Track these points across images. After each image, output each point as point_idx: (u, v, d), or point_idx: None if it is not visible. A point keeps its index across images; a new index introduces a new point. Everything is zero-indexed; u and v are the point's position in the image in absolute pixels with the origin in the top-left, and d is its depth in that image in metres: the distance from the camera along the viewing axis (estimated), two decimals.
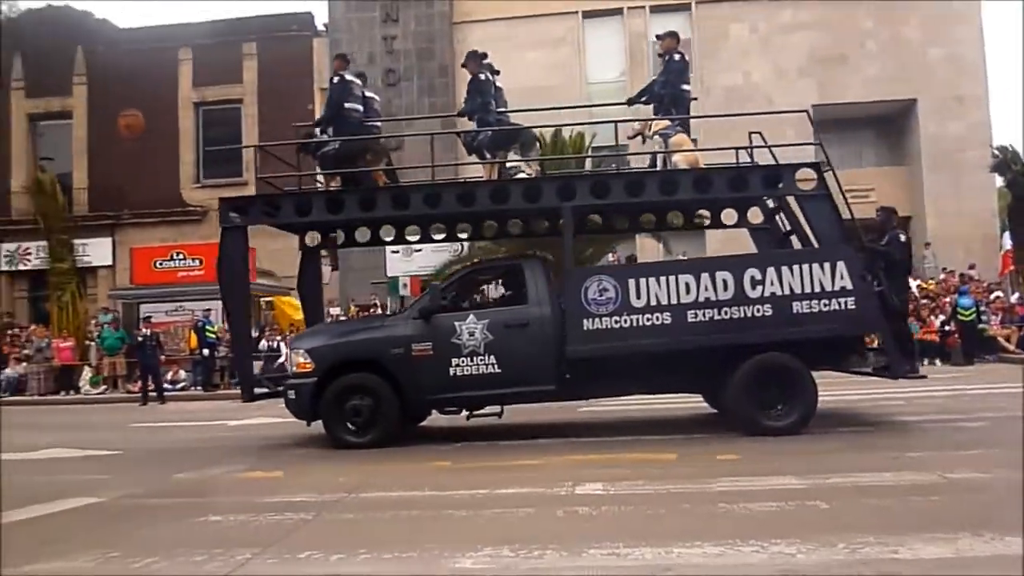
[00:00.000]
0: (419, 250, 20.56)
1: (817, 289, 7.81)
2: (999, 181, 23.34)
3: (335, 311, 22.41)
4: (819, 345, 7.96)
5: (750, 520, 4.48)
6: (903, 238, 9.11)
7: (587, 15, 25.91)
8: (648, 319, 7.94)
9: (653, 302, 7.95)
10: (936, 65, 24.45)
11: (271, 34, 27.16)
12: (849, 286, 7.78)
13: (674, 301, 7.94)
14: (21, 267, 26.33)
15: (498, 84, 9.75)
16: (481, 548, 4.01)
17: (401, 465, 7.14)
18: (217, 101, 27.48)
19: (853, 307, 7.76)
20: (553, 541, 4.10)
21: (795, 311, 7.83)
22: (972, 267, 22.13)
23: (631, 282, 8.04)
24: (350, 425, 8.18)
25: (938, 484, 5.25)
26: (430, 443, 8.52)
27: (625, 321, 7.96)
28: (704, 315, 7.90)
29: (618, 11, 25.87)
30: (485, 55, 9.85)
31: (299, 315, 21.08)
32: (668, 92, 9.32)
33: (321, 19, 27.19)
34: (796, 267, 7.90)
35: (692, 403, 9.72)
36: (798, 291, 7.83)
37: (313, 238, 10.47)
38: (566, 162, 19.06)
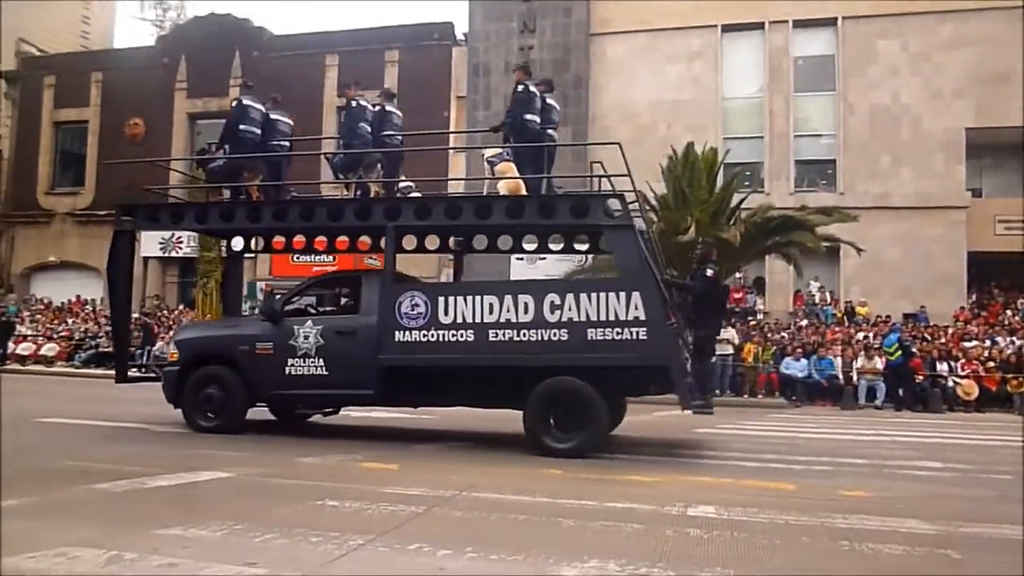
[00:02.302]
0: (543, 258, 20.67)
1: (612, 318, 7.92)
2: None
3: None
4: (613, 372, 8.02)
5: (874, 561, 4.24)
6: (709, 273, 9.00)
7: (726, 29, 25.35)
8: (453, 335, 8.33)
9: (459, 319, 8.32)
10: None
11: (413, 42, 28.07)
12: (643, 317, 7.86)
13: (478, 320, 8.27)
14: (173, 254, 28.22)
15: (389, 108, 10.23)
16: (587, 559, 3.98)
17: (513, 469, 7.19)
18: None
19: (645, 337, 7.83)
20: (661, 560, 4.02)
21: (590, 337, 7.97)
22: (923, 308, 21.50)
23: (440, 299, 8.46)
24: (205, 411, 9.06)
25: None
26: None
27: (432, 335, 8.38)
28: (504, 335, 8.20)
29: (759, 25, 25.17)
30: (359, 83, 10.77)
31: None
32: (509, 122, 9.60)
33: (461, 29, 27.86)
34: (595, 295, 8.03)
35: (815, 429, 9.35)
36: (594, 318, 7.97)
37: (236, 243, 11.23)
38: (696, 179, 18.77)
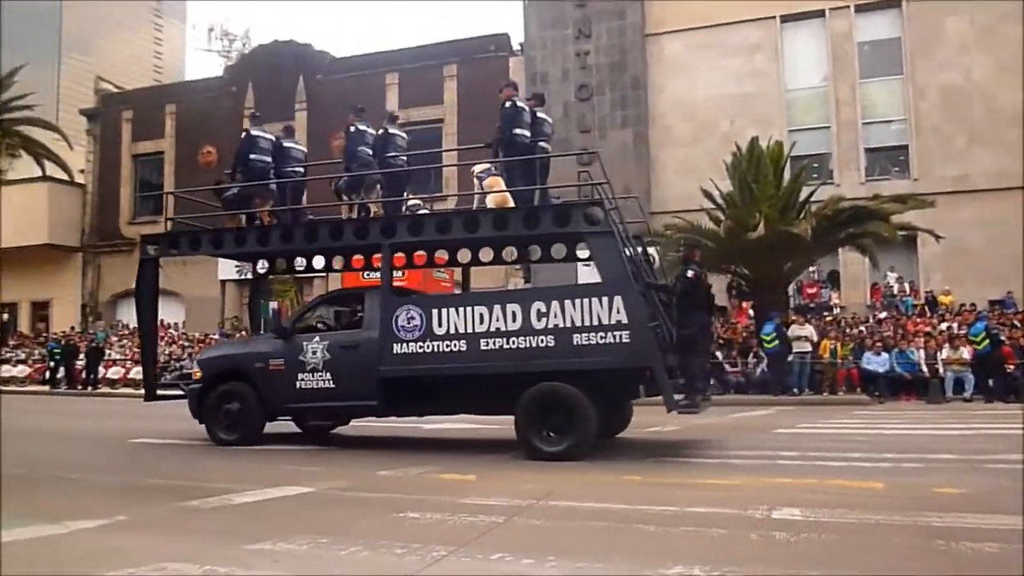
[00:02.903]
0: None
1: (596, 322, 8.08)
2: None
3: None
4: (599, 375, 8.16)
5: (975, 561, 4.08)
6: (690, 274, 9.08)
7: (785, 19, 24.90)
8: (447, 345, 8.61)
9: (452, 330, 8.60)
10: None
11: (470, 56, 28.35)
12: (625, 320, 7.98)
13: (470, 330, 8.54)
14: (248, 276, 29.04)
15: (392, 130, 10.50)
16: (672, 566, 3.92)
17: (591, 476, 7.15)
18: (420, 121, 29.03)
19: (628, 340, 7.96)
20: (747, 564, 3.94)
21: (576, 343, 8.13)
22: (1009, 294, 20.33)
23: (435, 311, 8.73)
24: (226, 425, 9.58)
25: None
26: (620, 457, 8.49)
27: (428, 346, 8.68)
28: (495, 343, 8.43)
29: (819, 13, 24.65)
30: (363, 109, 11.14)
31: None
32: (497, 137, 9.83)
33: (517, 39, 28.01)
34: (578, 301, 8.19)
35: (901, 425, 9.05)
36: (579, 324, 8.13)
37: (262, 266, 11.77)
38: (762, 174, 18.42)
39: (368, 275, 12.23)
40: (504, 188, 9.54)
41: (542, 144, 9.90)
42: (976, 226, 21.60)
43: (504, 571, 3.94)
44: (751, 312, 20.13)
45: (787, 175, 19.26)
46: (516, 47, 28.06)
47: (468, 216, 9.33)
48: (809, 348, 17.24)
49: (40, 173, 32.22)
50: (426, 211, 10.18)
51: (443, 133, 28.68)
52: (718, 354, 18.29)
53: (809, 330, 17.52)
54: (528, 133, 9.67)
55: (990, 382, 16.11)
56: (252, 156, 10.80)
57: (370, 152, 10.49)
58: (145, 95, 35.90)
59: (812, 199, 18.60)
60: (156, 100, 33.91)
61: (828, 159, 24.30)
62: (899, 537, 4.62)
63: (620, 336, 8.00)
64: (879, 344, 17.26)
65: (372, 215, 10.32)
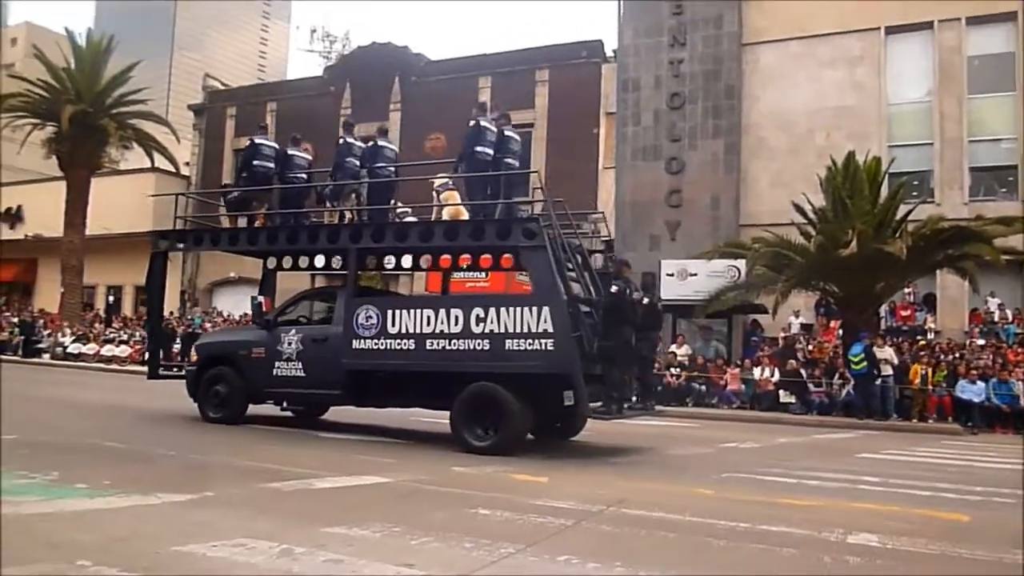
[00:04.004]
0: (695, 274, 20.36)
1: (526, 330, 8.67)
2: None
3: None
4: (527, 379, 8.76)
5: None
6: (614, 289, 9.35)
7: (890, 31, 24.02)
8: (398, 344, 9.37)
9: (403, 330, 9.36)
10: None
11: (563, 61, 28.42)
12: (551, 329, 8.54)
13: (417, 330, 9.27)
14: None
15: (381, 143, 11.19)
16: None
17: (664, 487, 7.13)
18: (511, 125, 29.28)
19: (552, 348, 8.52)
20: None
21: (507, 348, 8.76)
22: None
23: (389, 312, 9.50)
24: (213, 405, 10.62)
25: None
26: (694, 471, 8.43)
27: (382, 344, 9.46)
28: (438, 344, 9.15)
29: (927, 25, 23.66)
30: (352, 124, 12.25)
31: None
32: (460, 153, 10.50)
33: (611, 46, 27.94)
34: (512, 309, 8.81)
35: (995, 458, 8.65)
36: (511, 330, 8.74)
37: (272, 262, 12.26)
38: (858, 190, 17.86)
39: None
40: (459, 202, 10.39)
41: (508, 160, 10.38)
42: None
43: (569, 573, 3.99)
44: (839, 332, 19.53)
45: (884, 192, 18.62)
46: (609, 53, 27.98)
47: (424, 227, 10.09)
48: (891, 372, 16.61)
49: (149, 164, 33.89)
50: (413, 219, 10.72)
51: (533, 137, 28.83)
52: (802, 372, 17.84)
53: (889, 352, 16.90)
54: (490, 151, 10.24)
55: None
56: (255, 162, 11.68)
57: (357, 163, 11.19)
58: (249, 92, 37.34)
59: (910, 218, 17.90)
60: (259, 97, 35.23)
61: (929, 177, 23.34)
62: (981, 572, 4.46)
63: (545, 344, 8.60)
64: (975, 372, 16.51)
65: (348, 222, 11.13)
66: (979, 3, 22.72)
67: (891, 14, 23.66)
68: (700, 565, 4.23)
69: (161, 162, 33.61)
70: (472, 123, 10.45)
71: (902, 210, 18.10)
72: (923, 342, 19.69)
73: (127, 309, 33.94)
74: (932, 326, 21.39)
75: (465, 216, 10.14)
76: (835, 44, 24.48)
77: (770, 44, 25.28)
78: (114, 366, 25.55)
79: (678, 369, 18.95)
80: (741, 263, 19.49)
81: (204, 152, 35.04)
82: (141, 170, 34.15)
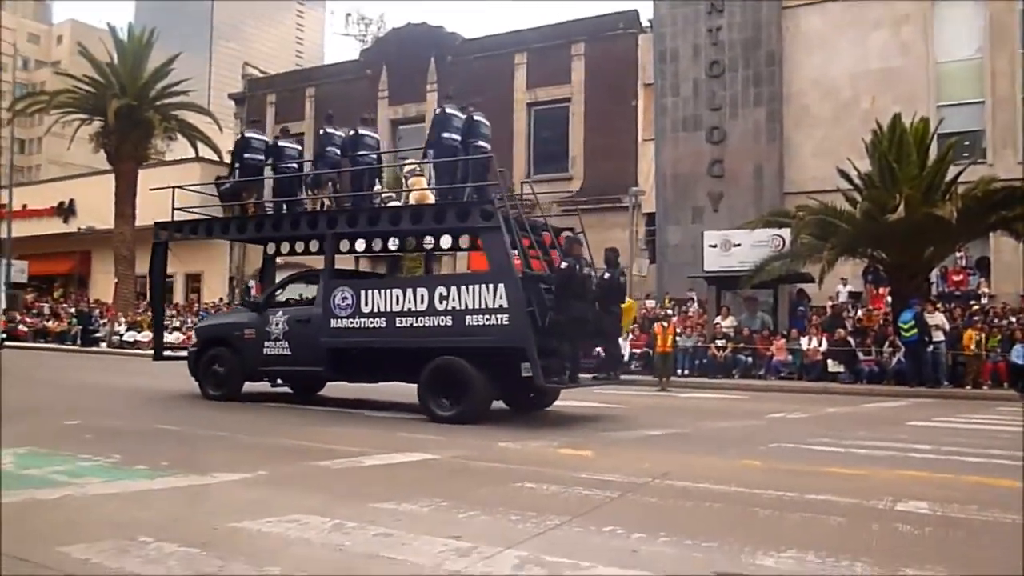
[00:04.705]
0: (738, 244, 20.11)
1: (484, 306, 9.25)
2: None
3: (650, 303, 22.73)
4: (486, 353, 9.29)
5: None
6: (564, 266, 9.67)
7: None
8: (372, 322, 10.01)
9: (375, 309, 9.99)
10: None
11: (599, 34, 28.12)
12: (506, 305, 9.11)
13: (388, 309, 9.90)
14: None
15: (363, 131, 11.75)
16: (785, 550, 3.90)
17: (710, 460, 7.12)
18: (548, 101, 29.14)
19: (507, 323, 9.09)
20: (864, 554, 3.86)
21: (467, 323, 9.36)
22: None
23: (363, 292, 10.11)
24: (213, 383, 11.36)
25: None
26: (741, 443, 8.41)
27: (357, 322, 10.11)
28: (406, 322, 9.78)
29: None
30: (332, 116, 12.63)
31: None
32: (428, 140, 11.10)
33: (646, 16, 27.55)
34: (471, 287, 9.41)
35: None
36: (471, 307, 9.34)
37: (271, 248, 12.87)
38: (905, 153, 17.41)
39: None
40: (424, 187, 10.82)
41: (478, 144, 10.74)
42: None
43: (615, 544, 4.04)
44: (888, 299, 19.15)
45: (933, 154, 18.13)
46: (645, 23, 27.60)
47: (393, 211, 10.72)
48: (943, 337, 16.26)
49: (193, 154, 34.49)
50: (397, 203, 11.10)
51: (570, 112, 28.67)
52: (851, 340, 17.56)
53: (940, 318, 16.53)
54: (457, 137, 10.71)
55: None
56: (246, 155, 12.23)
57: (338, 152, 11.72)
58: (287, 79, 37.67)
59: (960, 180, 17.42)
60: (297, 84, 35.55)
61: (981, 137, 22.67)
62: None
63: (501, 319, 9.16)
64: None
65: (325, 209, 11.66)
66: None
67: None
68: (745, 535, 4.23)
69: (205, 151, 34.17)
70: (438, 110, 11.07)
71: (952, 172, 17.61)
72: (976, 307, 19.22)
73: (178, 297, 34.75)
74: (986, 290, 20.86)
75: (431, 200, 10.65)
76: (879, 5, 23.83)
77: (811, 7, 24.71)
78: (167, 352, 26.16)
79: (724, 341, 18.79)
80: (786, 232, 19.17)
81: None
82: (186, 160, 34.76)
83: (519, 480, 5.71)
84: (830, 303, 20.47)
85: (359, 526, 4.24)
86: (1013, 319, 17.75)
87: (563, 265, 9.74)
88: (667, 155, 25.83)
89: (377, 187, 11.76)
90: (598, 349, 10.99)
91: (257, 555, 3.70)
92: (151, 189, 27.98)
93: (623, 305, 11.49)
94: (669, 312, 20.54)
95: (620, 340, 11.90)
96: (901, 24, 23.63)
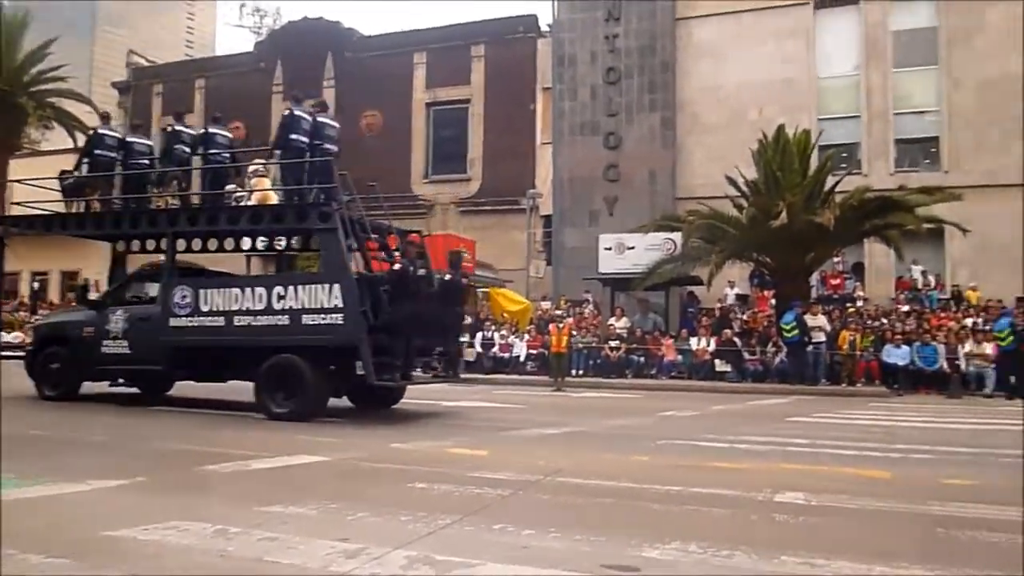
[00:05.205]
0: (632, 247, 20.61)
1: (320, 306, 9.43)
2: None
3: (546, 304, 23.00)
4: (321, 351, 9.49)
5: (969, 549, 4.12)
6: (397, 267, 10.06)
7: (819, 5, 24.59)
8: (210, 321, 10.03)
9: (214, 308, 10.04)
10: None
11: (498, 36, 28.30)
12: (341, 304, 9.31)
13: (226, 308, 9.95)
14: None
15: (212, 130, 11.74)
16: (670, 541, 4.01)
17: (601, 456, 7.26)
18: (447, 101, 29.10)
19: (342, 322, 9.29)
20: (744, 544, 4.01)
21: (304, 322, 9.51)
22: None
23: (202, 291, 10.14)
24: (50, 383, 11.06)
25: None
26: (632, 439, 8.60)
27: (195, 321, 10.12)
28: (244, 321, 9.85)
29: (854, 0, 24.23)
30: (182, 114, 12.90)
31: (514, 307, 22.01)
32: (275, 141, 11.12)
33: (545, 21, 27.91)
34: (309, 287, 9.57)
35: (918, 418, 9.02)
36: (308, 306, 9.49)
37: (121, 246, 12.68)
38: (788, 163, 18.28)
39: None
40: (267, 187, 10.92)
41: (325, 146, 10.86)
42: (1006, 222, 21.23)
43: (505, 540, 4.05)
44: (772, 301, 20.03)
45: (813, 164, 19.08)
46: (545, 28, 27.93)
47: (232, 211, 10.74)
48: (824, 338, 17.15)
49: (72, 145, 32.63)
50: (251, 202, 11.05)
51: (469, 114, 28.72)
52: (737, 341, 18.26)
53: (822, 320, 17.43)
54: (305, 139, 10.76)
55: (1012, 379, 15.93)
56: (97, 151, 12.09)
57: (187, 150, 11.70)
58: (176, 69, 36.21)
59: (838, 189, 18.41)
60: (186, 75, 34.20)
61: (857, 149, 24.02)
62: (899, 524, 4.67)
63: (336, 318, 9.33)
64: (900, 337, 17.14)
65: (166, 207, 11.50)
66: None
67: None
68: (633, 528, 4.32)
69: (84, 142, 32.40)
70: (286, 112, 11.00)
71: (830, 182, 18.59)
72: (852, 309, 20.32)
73: (54, 295, 32.81)
74: (861, 294, 22.09)
75: (273, 200, 10.76)
76: (766, 19, 24.89)
77: (703, 19, 25.56)
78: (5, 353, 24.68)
79: (617, 342, 19.20)
80: (677, 236, 19.80)
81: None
82: (64, 151, 32.84)
83: (411, 480, 5.66)
84: (718, 305, 21.22)
85: (243, 531, 4.10)
86: (884, 320, 18.86)
87: (396, 266, 10.01)
88: (564, 159, 26.20)
89: (231, 186, 11.56)
90: (439, 348, 11.07)
91: (132, 564, 3.53)
92: (7, 181, 26.42)
93: (488, 303, 11.72)
94: (559, 313, 20.83)
95: (462, 339, 12.11)
96: (787, 39, 24.76)
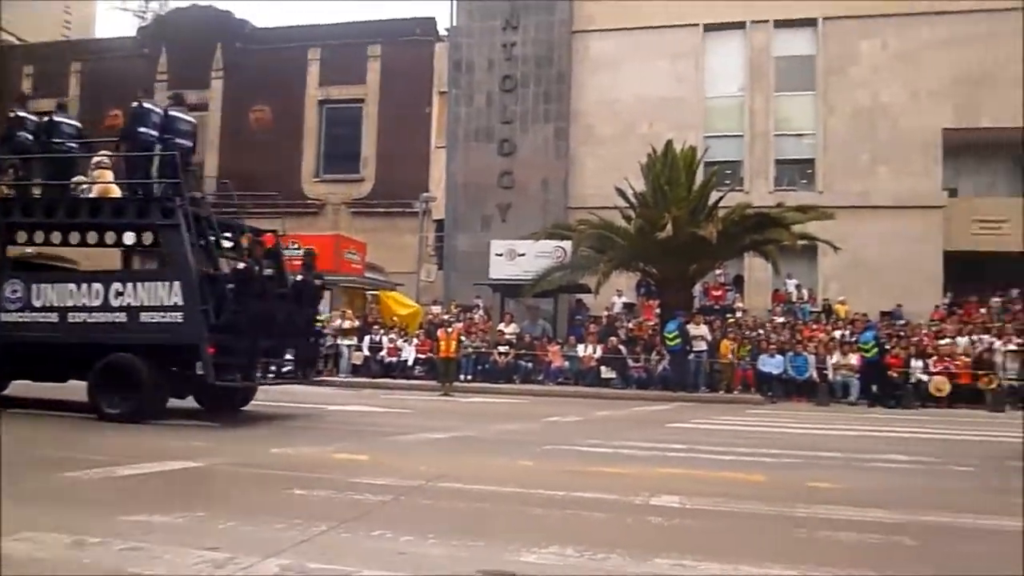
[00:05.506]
0: (523, 254, 20.78)
1: (159, 303, 9.25)
2: None
3: (436, 309, 22.89)
4: (161, 350, 9.31)
5: (828, 549, 4.33)
6: (241, 266, 9.97)
7: (708, 28, 25.51)
8: (43, 317, 9.65)
9: (47, 303, 9.66)
10: None
11: (395, 37, 28.03)
12: (181, 303, 9.17)
13: (60, 304, 9.60)
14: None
15: (58, 118, 11.05)
16: (547, 545, 4.03)
17: (486, 461, 7.26)
18: (341, 100, 28.59)
19: (181, 320, 9.15)
20: (620, 547, 4.07)
21: (142, 320, 9.31)
22: (899, 306, 21.63)
23: (34, 286, 9.76)
24: None
25: None
26: (518, 444, 8.65)
27: (27, 317, 9.70)
28: (79, 317, 9.52)
29: (741, 25, 25.34)
30: (24, 99, 12.73)
31: (404, 310, 21.80)
32: (122, 133, 10.90)
33: (444, 24, 27.85)
34: (148, 284, 9.41)
35: (789, 424, 9.44)
36: (146, 304, 9.30)
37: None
38: (675, 177, 18.88)
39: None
40: (110, 180, 10.49)
41: (176, 141, 10.48)
42: (874, 241, 22.66)
43: (383, 547, 3.97)
44: (657, 310, 20.61)
45: (699, 179, 19.78)
46: (443, 32, 27.87)
47: (70, 203, 10.22)
48: (705, 347, 17.78)
49: None
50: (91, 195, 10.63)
51: (364, 113, 28.32)
52: (622, 349, 18.67)
53: (704, 330, 18.08)
54: (155, 132, 10.35)
55: (874, 388, 16.96)
56: None
57: (30, 137, 10.98)
58: (50, 50, 34.01)
59: (721, 204, 19.14)
60: (61, 56, 32.20)
61: (740, 167, 25.07)
62: (766, 525, 4.86)
63: (176, 317, 9.17)
64: (774, 347, 17.96)
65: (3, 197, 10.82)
66: (786, 6, 24.54)
67: (709, 12, 25.09)
68: (513, 533, 4.33)
69: None
70: (135, 104, 10.60)
71: (714, 197, 19.31)
72: (732, 320, 21.15)
73: None
74: (740, 305, 23.04)
75: (116, 194, 10.34)
76: (659, 37, 25.62)
77: (599, 34, 26.10)
78: None
79: (506, 347, 19.30)
80: (568, 244, 20.12)
81: None
82: None
83: (289, 486, 5.49)
84: (606, 313, 21.68)
85: (103, 541, 3.86)
86: (761, 331, 19.72)
87: (240, 265, 9.78)
88: (459, 163, 26.20)
89: (79, 178, 10.92)
90: (290, 350, 10.82)
91: None
92: None
93: (332, 307, 11.44)
94: (447, 318, 20.80)
95: (316, 341, 11.83)
96: (678, 59, 25.59)
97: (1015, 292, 21.89)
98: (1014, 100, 22.48)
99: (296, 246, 21.97)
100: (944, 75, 23.52)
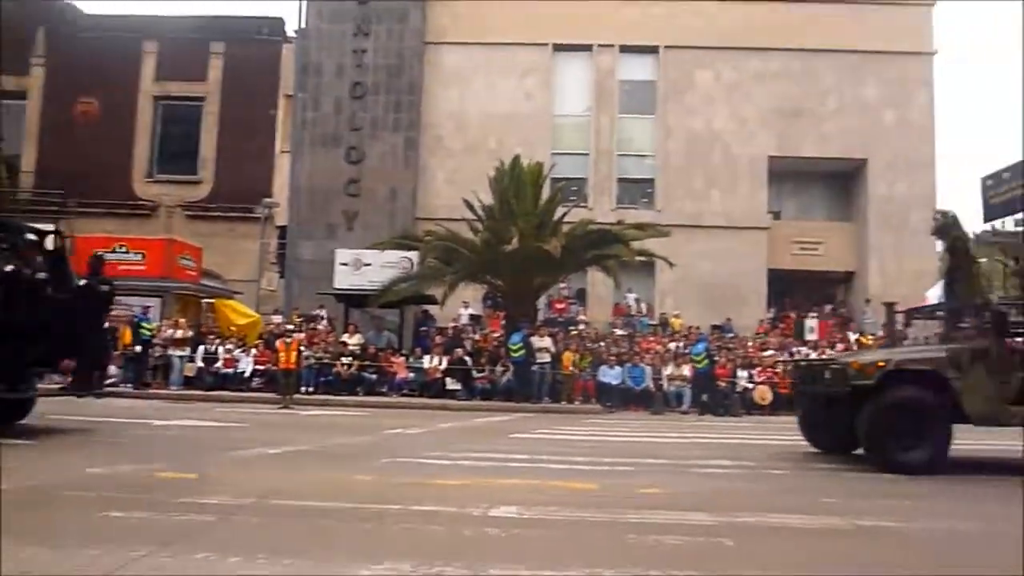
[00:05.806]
0: (369, 264, 20.50)
1: None
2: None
3: (277, 319, 22.15)
4: None
5: (655, 552, 4.51)
6: (9, 269, 9.40)
7: (557, 48, 26.27)
8: None
9: None
10: (890, 127, 25.27)
11: (240, 36, 27.01)
12: None
13: None
14: None
15: None
16: (381, 560, 3.97)
17: (322, 476, 7.05)
18: (179, 97, 27.18)
19: None
20: (455, 559, 4.07)
21: None
22: (728, 320, 23.40)
23: None
24: None
25: (847, 530, 5.34)
26: (357, 458, 8.48)
27: None
28: None
29: (588, 47, 26.28)
30: None
31: (242, 320, 20.92)
32: None
33: (292, 26, 27.10)
34: None
35: (625, 433, 9.74)
36: None
37: None
38: (522, 192, 19.26)
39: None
40: None
41: None
42: (705, 258, 24.09)
43: (206, 570, 3.77)
44: (503, 322, 20.89)
45: (545, 195, 20.26)
46: (291, 34, 27.10)
47: None
48: (549, 359, 18.20)
49: None
50: None
51: (203, 112, 27.05)
52: (467, 360, 18.77)
53: (548, 342, 18.51)
54: None
55: (704, 397, 17.95)
56: None
57: None
58: None
59: (566, 220, 19.70)
60: None
61: (584, 184, 25.92)
62: (598, 531, 5.01)
63: None
64: (614, 358, 18.65)
65: None
66: (630, 32, 25.69)
67: (558, 32, 25.86)
68: (345, 549, 4.24)
69: None
70: None
71: (559, 212, 19.85)
72: (575, 332, 21.76)
73: None
74: (583, 318, 23.76)
75: None
76: (510, 54, 26.12)
77: (451, 46, 26.25)
78: None
79: (350, 358, 18.93)
80: (415, 255, 20.03)
81: None
82: None
83: (104, 509, 5.09)
84: (452, 324, 21.73)
85: None
86: (602, 343, 20.41)
87: (8, 268, 9.06)
88: (304, 169, 25.52)
89: None
90: (67, 360, 10.05)
91: None
92: None
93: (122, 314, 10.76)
94: (290, 328, 20.19)
95: (101, 349, 10.87)
96: (527, 76, 26.16)
97: (828, 308, 23.94)
98: (826, 132, 24.86)
99: (124, 249, 20.81)
100: (768, 106, 25.44)
